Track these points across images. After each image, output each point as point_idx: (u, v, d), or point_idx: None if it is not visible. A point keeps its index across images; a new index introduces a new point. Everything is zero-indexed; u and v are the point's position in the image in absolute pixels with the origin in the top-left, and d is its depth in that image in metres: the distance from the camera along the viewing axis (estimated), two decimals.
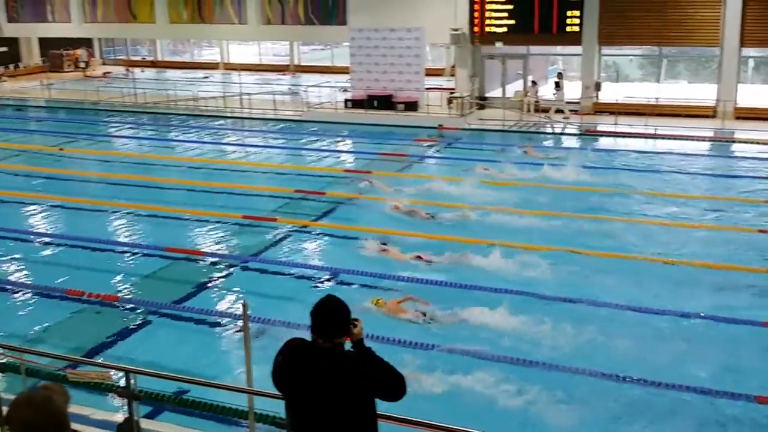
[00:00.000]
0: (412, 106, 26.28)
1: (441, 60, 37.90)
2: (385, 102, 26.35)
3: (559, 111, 24.76)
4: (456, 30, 26.33)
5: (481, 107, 26.70)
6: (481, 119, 25.32)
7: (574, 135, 24.04)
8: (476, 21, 26.43)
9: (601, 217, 14.68)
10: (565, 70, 28.65)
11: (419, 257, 12.26)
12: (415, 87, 26.52)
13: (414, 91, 26.45)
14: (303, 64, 40.83)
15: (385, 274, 11.72)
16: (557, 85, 24.96)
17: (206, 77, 37.45)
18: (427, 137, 23.37)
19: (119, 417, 7.20)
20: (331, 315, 4.05)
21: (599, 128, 23.92)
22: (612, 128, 23.53)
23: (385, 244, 12.93)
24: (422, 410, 5.73)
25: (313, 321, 4.05)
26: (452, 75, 27.69)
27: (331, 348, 4.02)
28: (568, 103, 25.04)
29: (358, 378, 4.04)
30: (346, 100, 27.27)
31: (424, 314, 10.05)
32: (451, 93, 26.90)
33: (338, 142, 24.06)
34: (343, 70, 33.84)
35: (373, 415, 4.15)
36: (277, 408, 7.03)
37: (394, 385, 4.15)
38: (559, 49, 28.18)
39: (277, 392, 4.36)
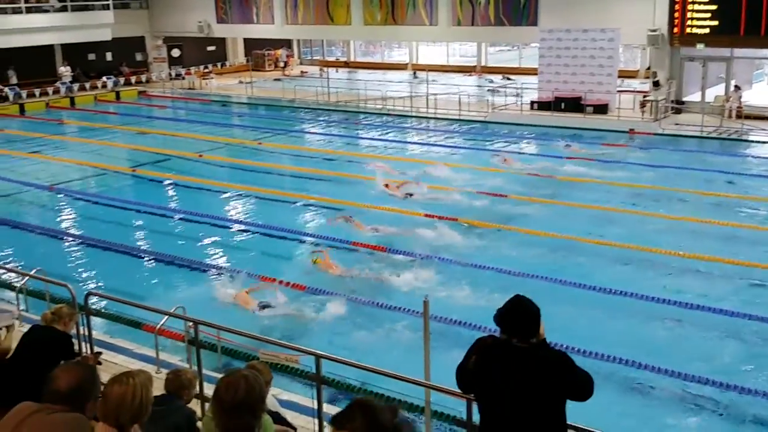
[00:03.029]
0: (602, 108, 25.41)
1: (634, 62, 36.36)
2: (574, 104, 25.68)
3: None
4: (654, 31, 25.11)
5: (678, 112, 25.29)
6: (677, 124, 23.99)
7: None
8: (676, 22, 25.03)
9: None
10: None
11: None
12: (606, 89, 25.61)
13: (605, 94, 25.55)
14: (490, 65, 40.72)
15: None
16: None
17: (416, 77, 37.83)
18: (616, 141, 22.56)
19: (298, 398, 7.61)
20: (527, 315, 4.03)
21: None
22: None
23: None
24: None
25: (506, 321, 4.05)
26: (646, 77, 26.43)
27: (528, 348, 4.00)
28: None
29: (557, 378, 3.99)
30: (532, 102, 26.87)
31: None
32: (645, 96, 25.72)
33: (524, 143, 23.75)
34: (530, 72, 33.43)
35: (564, 416, 4.09)
36: (453, 405, 7.16)
37: (586, 385, 4.08)
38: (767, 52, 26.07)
39: (455, 389, 4.40)
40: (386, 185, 17.42)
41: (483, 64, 40.49)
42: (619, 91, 25.96)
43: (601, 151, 21.46)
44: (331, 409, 7.29)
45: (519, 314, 4.03)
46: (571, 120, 24.86)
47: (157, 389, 5.97)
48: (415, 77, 37.91)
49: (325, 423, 5.92)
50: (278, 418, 5.57)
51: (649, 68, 27.54)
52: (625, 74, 28.01)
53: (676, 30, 25.08)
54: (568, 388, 4.03)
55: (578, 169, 19.34)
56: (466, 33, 31.66)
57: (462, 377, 4.26)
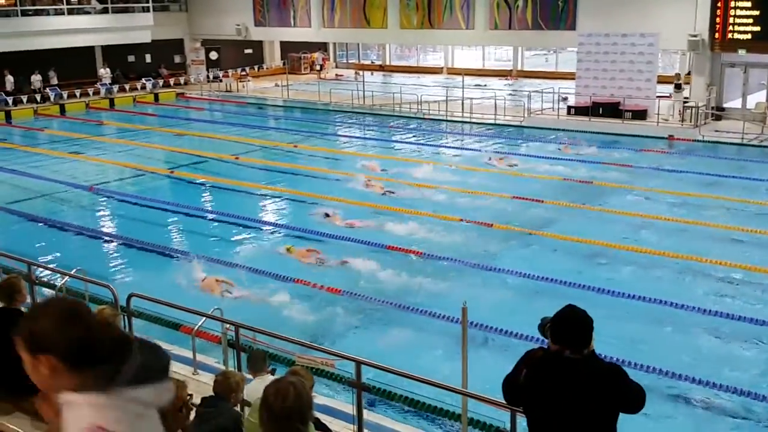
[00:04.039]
0: (640, 114, 25.10)
1: (673, 67, 35.84)
2: (612, 110, 25.39)
3: None
4: (694, 36, 24.74)
5: (718, 118, 24.88)
6: (717, 131, 23.60)
7: None
8: (718, 27, 24.63)
9: None
10: None
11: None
12: (645, 95, 25.29)
13: (644, 99, 25.23)
14: (526, 69, 40.50)
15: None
16: None
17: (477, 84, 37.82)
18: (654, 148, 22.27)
19: (336, 404, 7.60)
20: (582, 325, 3.95)
21: None
22: None
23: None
24: None
25: (559, 331, 3.97)
26: (686, 83, 26.07)
27: (581, 359, 3.92)
28: None
29: (611, 391, 3.92)
30: (569, 107, 26.65)
31: (321, 261, 13.19)
32: (685, 102, 25.35)
33: (560, 148, 23.54)
34: (566, 76, 33.15)
35: (615, 429, 4.02)
36: (491, 414, 7.10)
37: (639, 398, 4.00)
38: None
39: (492, 398, 4.35)
40: (368, 183, 18.15)
41: (519, 68, 40.28)
42: (658, 97, 25.61)
43: (639, 157, 21.21)
44: (371, 416, 7.29)
45: (573, 324, 3.95)
46: (608, 125, 24.59)
47: (192, 390, 6.01)
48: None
49: (365, 430, 5.90)
50: (318, 425, 5.58)
51: (689, 73, 27.16)
52: (664, 80, 27.62)
53: (717, 35, 24.68)
54: (622, 400, 3.95)
55: (615, 175, 19.13)
56: (503, 37, 31.49)
57: (510, 390, 4.19)
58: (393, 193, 17.63)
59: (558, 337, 3.96)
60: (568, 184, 18.40)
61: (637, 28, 25.32)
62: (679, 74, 25.11)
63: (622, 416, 4.05)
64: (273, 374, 7.27)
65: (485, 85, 34.24)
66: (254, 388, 6.69)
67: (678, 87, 24.89)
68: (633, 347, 9.68)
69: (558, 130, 25.19)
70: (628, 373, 4.01)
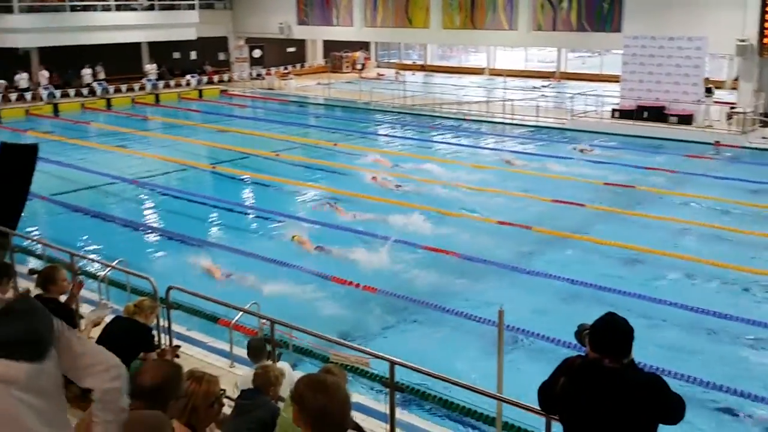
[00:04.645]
0: (686, 119, 24.66)
1: (720, 71, 35.15)
2: (657, 114, 25.01)
3: None
4: (743, 41, 24.25)
5: (766, 125, 24.35)
6: (765, 138, 23.09)
7: None
8: (767, 32, 24.11)
9: None
10: None
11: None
12: (692, 99, 24.85)
13: (690, 104, 24.80)
14: (569, 71, 40.11)
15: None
16: None
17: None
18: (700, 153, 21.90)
19: (369, 402, 7.61)
20: (623, 334, 3.88)
21: None
22: None
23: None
24: None
25: (599, 339, 3.90)
26: (733, 88, 25.55)
27: (620, 369, 3.85)
28: None
29: (651, 402, 3.85)
30: (614, 110, 26.31)
31: (322, 248, 13.81)
32: (732, 107, 24.85)
33: (602, 151, 23.26)
34: (610, 79, 32.75)
35: None
36: (525, 419, 7.05)
37: (679, 409, 3.93)
38: None
39: (527, 404, 4.30)
40: (374, 178, 18.53)
41: (562, 70, 39.92)
42: (700, 102, 25.14)
43: (683, 162, 20.85)
44: (404, 415, 7.28)
45: (614, 333, 3.88)
46: (653, 130, 24.22)
47: (226, 384, 6.07)
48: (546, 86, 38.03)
49: (397, 429, 5.90)
50: (351, 424, 5.58)
51: (736, 79, 26.65)
52: (711, 84, 27.11)
53: (766, 41, 24.16)
54: (661, 412, 3.87)
55: (659, 180, 18.85)
56: (547, 38, 31.21)
57: (547, 398, 4.13)
58: (412, 190, 17.87)
59: (597, 345, 3.89)
60: (609, 188, 18.17)
61: (685, 31, 24.88)
62: (708, 79, 24.66)
63: (661, 428, 3.99)
64: (278, 360, 7.31)
65: (542, 87, 34.04)
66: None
67: (708, 91, 24.42)
68: (673, 356, 9.52)
69: (601, 133, 24.89)
70: (668, 384, 3.93)
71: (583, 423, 3.96)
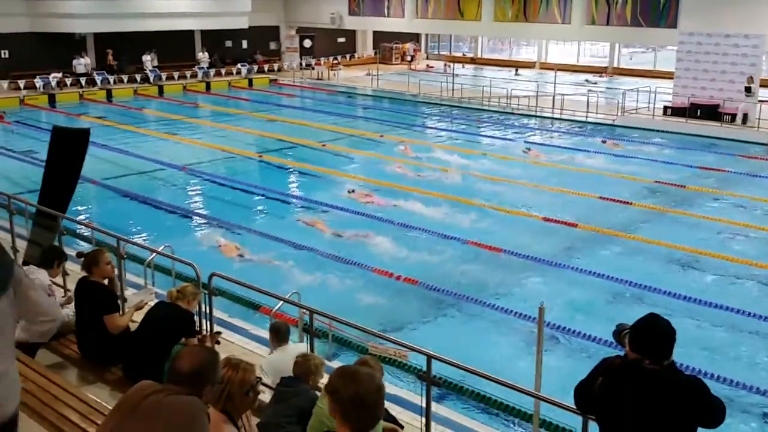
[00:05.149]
0: (741, 118, 24.06)
1: None
2: (710, 112, 24.45)
3: None
4: None
5: None
6: None
7: None
8: None
9: None
10: None
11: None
12: (747, 98, 24.22)
13: (745, 103, 24.18)
14: (622, 66, 39.45)
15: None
16: None
17: (517, 74, 38.22)
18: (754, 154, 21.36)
19: (404, 394, 7.64)
20: (665, 335, 3.83)
21: None
22: None
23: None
24: None
25: (640, 340, 3.85)
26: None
27: (660, 370, 3.80)
28: None
29: (691, 404, 3.80)
30: (666, 107, 25.81)
31: (339, 234, 14.08)
32: None
33: (653, 149, 22.85)
34: (664, 75, 32.13)
35: None
36: (562, 417, 7.01)
37: (719, 413, 3.87)
38: None
39: (565, 403, 4.27)
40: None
41: (615, 65, 39.28)
42: (760, 101, 24.50)
43: (735, 162, 20.38)
44: (439, 409, 7.30)
45: (656, 334, 3.83)
46: (706, 128, 23.70)
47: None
48: (517, 74, 37.98)
49: (432, 423, 5.91)
50: (386, 416, 5.62)
51: None
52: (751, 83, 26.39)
53: None
54: (701, 415, 3.82)
55: (709, 180, 18.47)
56: (600, 32, 30.75)
57: (584, 398, 4.10)
58: (455, 183, 17.98)
59: (638, 346, 3.84)
60: (658, 187, 17.87)
61: (742, 28, 24.24)
62: (752, 77, 23.89)
63: (700, 431, 3.93)
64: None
65: (591, 81, 33.75)
66: (278, 358, 6.84)
67: (748, 90, 23.70)
68: (715, 359, 9.35)
69: (652, 130, 24.46)
70: (708, 387, 3.87)
71: (621, 424, 3.92)
